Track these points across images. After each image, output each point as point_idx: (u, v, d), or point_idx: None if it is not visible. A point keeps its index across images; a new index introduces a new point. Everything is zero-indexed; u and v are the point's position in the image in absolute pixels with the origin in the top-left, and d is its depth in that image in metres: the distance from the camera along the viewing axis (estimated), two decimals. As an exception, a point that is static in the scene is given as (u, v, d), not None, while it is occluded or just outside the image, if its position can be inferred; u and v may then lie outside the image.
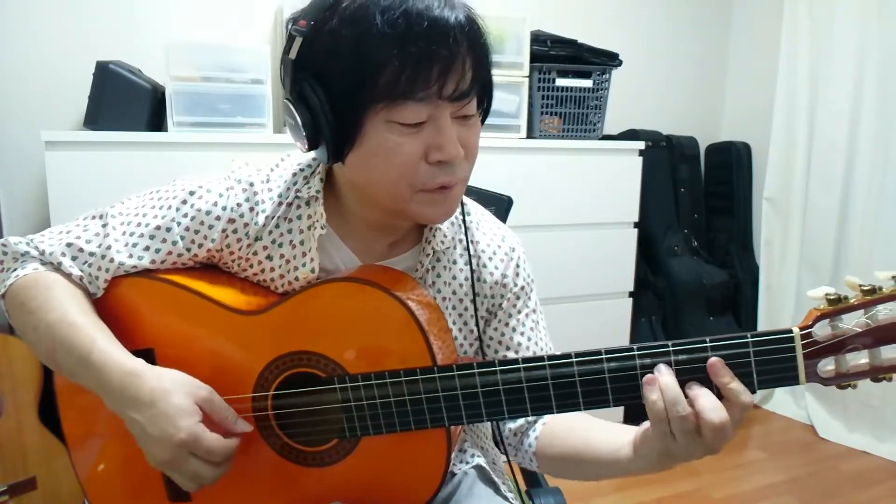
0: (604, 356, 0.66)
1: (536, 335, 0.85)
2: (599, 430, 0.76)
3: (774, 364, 0.62)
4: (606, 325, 2.25)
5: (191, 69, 1.72)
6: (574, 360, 0.66)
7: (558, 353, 0.68)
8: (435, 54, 0.63)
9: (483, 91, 0.71)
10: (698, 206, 2.75)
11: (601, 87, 2.19)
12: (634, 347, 0.65)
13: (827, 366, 0.63)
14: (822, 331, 0.62)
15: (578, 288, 2.16)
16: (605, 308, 2.24)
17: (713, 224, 2.80)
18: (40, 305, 0.69)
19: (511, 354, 0.83)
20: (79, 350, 0.66)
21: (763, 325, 2.62)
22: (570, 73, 2.15)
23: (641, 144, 2.21)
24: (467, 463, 0.86)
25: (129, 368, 0.65)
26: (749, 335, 0.62)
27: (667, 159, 2.67)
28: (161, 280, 0.74)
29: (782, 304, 2.55)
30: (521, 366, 0.67)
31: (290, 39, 0.68)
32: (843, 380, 0.63)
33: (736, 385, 0.62)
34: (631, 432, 0.71)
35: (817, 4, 2.37)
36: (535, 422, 0.83)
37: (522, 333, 0.84)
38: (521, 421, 0.83)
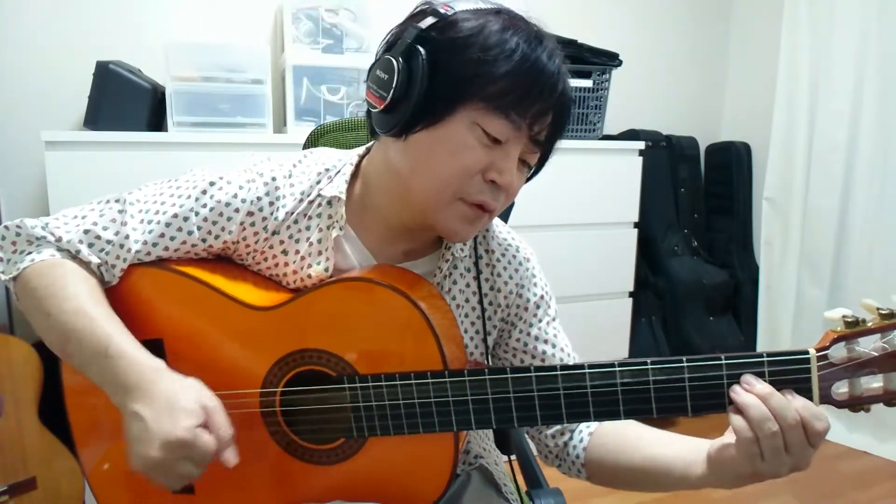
0: (617, 369, 0.65)
1: (560, 342, 0.85)
2: (661, 444, 0.75)
3: (789, 385, 0.62)
4: (606, 325, 2.25)
5: (191, 69, 1.72)
6: (587, 371, 0.66)
7: (571, 363, 0.68)
8: (543, 96, 0.69)
9: (542, 157, 0.77)
10: (698, 206, 2.75)
11: (601, 87, 2.19)
12: (648, 361, 0.65)
13: (840, 388, 0.63)
14: (837, 353, 0.62)
15: (578, 288, 2.16)
16: (605, 308, 2.24)
17: (713, 224, 2.80)
18: (56, 293, 0.69)
19: (537, 364, 0.83)
20: (95, 341, 0.66)
21: (763, 325, 2.62)
22: (570, 73, 2.14)
23: (641, 144, 2.21)
24: (470, 464, 0.86)
25: (150, 364, 0.65)
26: (765, 354, 0.62)
27: (667, 159, 2.67)
28: (174, 271, 0.74)
29: (782, 304, 2.55)
30: (533, 374, 0.67)
31: (422, 14, 0.71)
32: (856, 402, 0.63)
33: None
34: (700, 447, 0.70)
35: (817, 4, 2.37)
36: (576, 427, 0.82)
37: (546, 342, 0.84)
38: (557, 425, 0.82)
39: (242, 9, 2.05)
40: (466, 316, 0.82)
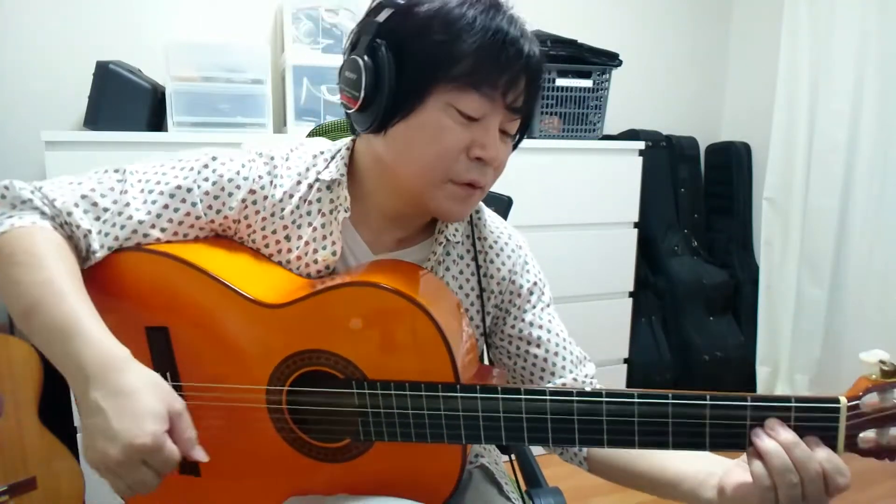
0: (636, 400, 0.64)
1: (555, 328, 0.85)
2: (672, 456, 0.73)
3: (814, 432, 0.60)
4: (606, 325, 2.25)
5: (191, 69, 1.72)
6: (604, 399, 0.65)
7: (588, 389, 0.69)
8: (511, 63, 0.69)
9: (524, 122, 0.76)
10: (698, 206, 2.75)
11: (601, 87, 2.19)
12: (669, 395, 0.63)
13: (867, 435, 0.61)
14: (868, 399, 0.60)
15: (578, 288, 2.16)
16: (605, 308, 2.24)
17: (713, 224, 2.80)
18: (29, 262, 0.64)
19: (533, 349, 0.83)
20: (61, 318, 0.62)
21: (763, 325, 2.61)
22: (570, 73, 2.14)
23: (641, 144, 2.21)
24: (472, 463, 0.86)
25: (117, 353, 0.61)
26: (793, 399, 0.61)
27: (667, 159, 2.67)
28: (182, 261, 0.72)
29: (782, 305, 2.55)
30: (548, 398, 0.66)
31: (379, 7, 0.71)
32: (882, 451, 0.61)
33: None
34: (713, 469, 0.68)
35: (817, 4, 2.37)
36: None
37: (541, 327, 0.84)
38: None
39: (242, 9, 2.05)
40: None
